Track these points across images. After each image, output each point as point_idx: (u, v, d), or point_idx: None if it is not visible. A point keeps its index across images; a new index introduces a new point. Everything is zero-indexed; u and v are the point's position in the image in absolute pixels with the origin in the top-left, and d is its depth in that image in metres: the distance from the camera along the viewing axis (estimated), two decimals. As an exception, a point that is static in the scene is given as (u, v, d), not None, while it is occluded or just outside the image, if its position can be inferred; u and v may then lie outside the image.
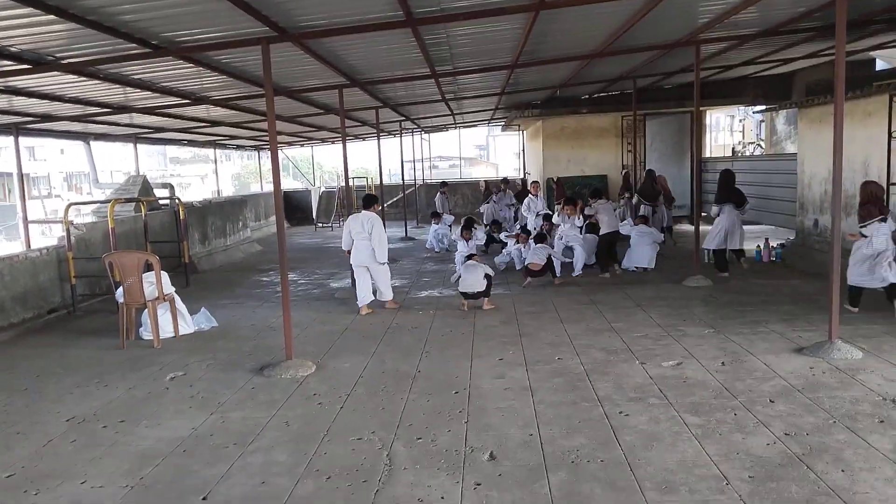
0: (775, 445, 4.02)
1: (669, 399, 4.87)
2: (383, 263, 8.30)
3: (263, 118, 13.04)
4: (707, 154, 19.87)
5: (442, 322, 7.67)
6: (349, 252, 8.45)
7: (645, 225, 10.84)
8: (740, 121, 30.79)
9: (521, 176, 23.21)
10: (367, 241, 8.20)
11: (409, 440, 4.35)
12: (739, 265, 10.05)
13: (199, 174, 58.17)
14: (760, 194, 13.07)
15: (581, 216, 10.58)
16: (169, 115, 11.72)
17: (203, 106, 10.85)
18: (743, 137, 29.62)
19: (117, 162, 41.84)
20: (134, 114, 11.02)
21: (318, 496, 3.68)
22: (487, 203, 16.53)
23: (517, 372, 5.67)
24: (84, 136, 13.93)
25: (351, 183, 12.07)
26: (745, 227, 10.21)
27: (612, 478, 3.71)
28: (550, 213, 12.33)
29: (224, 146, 21.54)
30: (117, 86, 8.41)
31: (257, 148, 23.43)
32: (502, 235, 13.04)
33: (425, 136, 25.78)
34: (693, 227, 10.03)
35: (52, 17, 5.22)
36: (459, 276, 8.31)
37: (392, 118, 16.49)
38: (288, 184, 32.41)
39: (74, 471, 4.12)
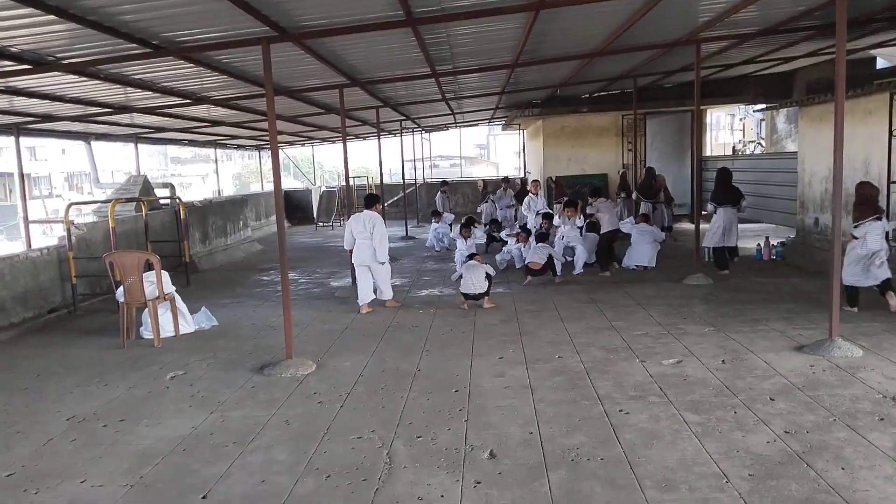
0: (775, 443, 4.02)
1: (669, 397, 4.87)
2: (383, 263, 8.31)
3: (264, 118, 13.04)
4: (707, 153, 19.85)
5: (442, 321, 7.67)
6: (351, 251, 8.46)
7: (646, 223, 10.84)
8: (741, 119, 30.77)
9: (522, 175, 23.21)
10: (368, 240, 8.20)
11: (409, 439, 4.35)
12: (731, 263, 10.11)
13: (200, 174, 58.19)
14: (761, 193, 13.08)
15: (581, 216, 10.59)
16: (170, 115, 11.73)
17: (204, 106, 10.86)
18: (743, 136, 29.61)
19: (118, 162, 41.87)
20: (135, 114, 11.03)
21: (317, 495, 3.68)
22: (486, 202, 16.53)
23: (517, 370, 5.68)
24: (85, 136, 13.94)
25: (351, 182, 12.07)
26: (746, 226, 10.24)
27: (612, 476, 3.71)
28: (551, 212, 12.32)
29: (225, 146, 21.54)
30: (118, 86, 8.42)
31: (258, 147, 23.44)
32: (502, 234, 13.04)
33: (426, 135, 25.77)
34: (693, 226, 10.03)
35: (52, 17, 5.22)
36: (461, 276, 8.31)
37: (392, 117, 16.50)
38: (289, 183, 32.39)
39: (74, 470, 4.12)
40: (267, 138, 18.06)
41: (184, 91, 9.47)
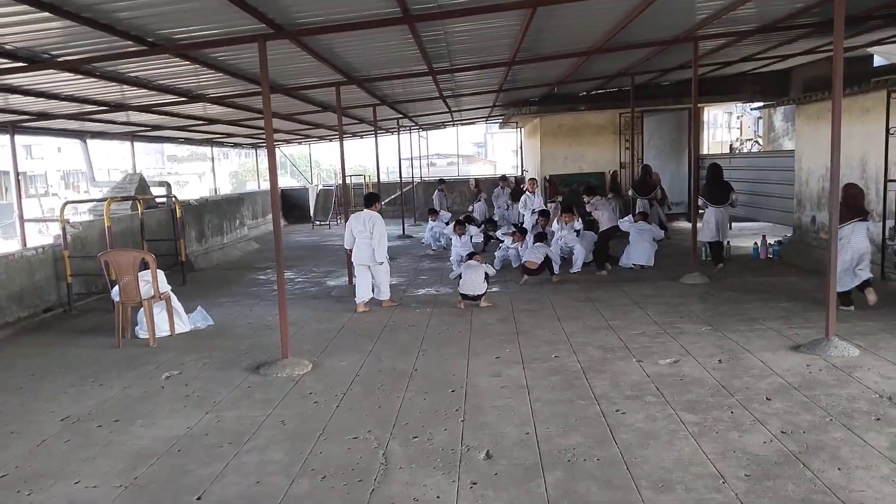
0: (772, 443, 4.01)
1: (666, 397, 4.86)
2: (381, 263, 8.29)
3: (260, 116, 12.99)
4: (705, 151, 19.85)
5: (439, 320, 7.65)
6: (351, 250, 8.44)
7: (645, 222, 10.82)
8: (738, 117, 30.78)
9: (518, 174, 23.18)
10: (368, 239, 8.18)
11: (405, 439, 4.34)
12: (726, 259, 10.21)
13: (196, 172, 58.09)
14: (758, 191, 13.07)
15: (578, 220, 10.60)
16: (166, 114, 11.68)
17: (200, 104, 10.83)
18: (741, 134, 29.62)
19: (114, 160, 41.83)
20: (130, 112, 11.00)
21: (313, 495, 3.67)
22: (478, 202, 16.50)
23: (514, 370, 5.66)
24: (81, 135, 13.89)
25: (348, 181, 12.05)
26: (743, 224, 10.25)
27: (608, 476, 3.70)
28: (547, 209, 12.31)
29: (221, 144, 21.49)
30: (113, 84, 8.38)
31: (255, 146, 23.40)
32: (498, 234, 13.02)
33: (423, 133, 25.74)
34: (690, 224, 10.03)
35: (46, 14, 5.19)
36: (460, 276, 8.28)
37: (389, 115, 16.46)
38: (286, 182, 32.37)
39: (68, 470, 4.10)
40: (263, 136, 18.01)
41: (180, 89, 9.43)
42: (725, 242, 10.23)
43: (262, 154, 24.43)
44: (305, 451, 4.23)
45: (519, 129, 24.17)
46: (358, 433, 4.47)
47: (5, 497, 3.81)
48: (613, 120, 16.89)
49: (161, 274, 7.33)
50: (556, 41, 9.04)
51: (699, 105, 13.65)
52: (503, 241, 11.50)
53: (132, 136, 15.34)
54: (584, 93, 16.10)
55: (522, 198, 13.59)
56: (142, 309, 7.17)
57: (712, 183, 10.09)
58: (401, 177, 20.20)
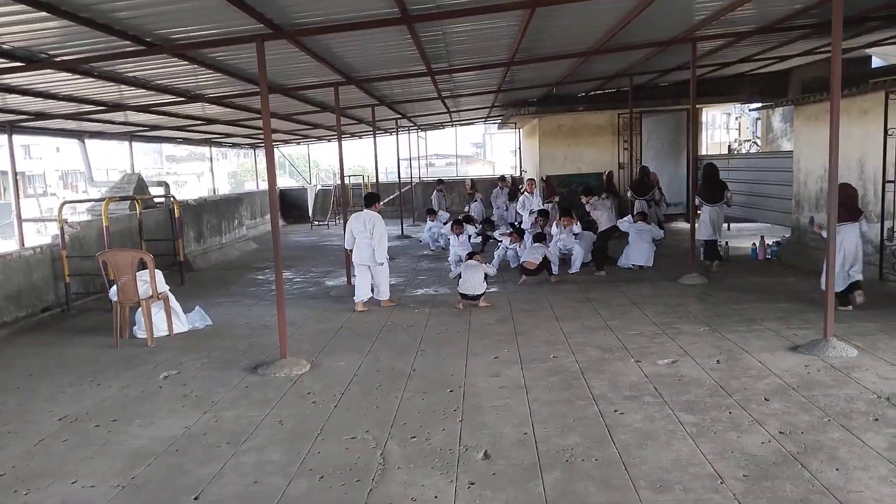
0: (770, 444, 4.01)
1: (664, 397, 4.86)
2: (381, 264, 8.29)
3: (259, 116, 12.96)
4: (703, 152, 19.89)
5: (437, 320, 7.65)
6: (351, 251, 8.43)
7: (644, 222, 10.82)
8: (736, 118, 30.81)
9: (517, 174, 23.18)
10: (368, 239, 8.18)
11: (403, 439, 4.33)
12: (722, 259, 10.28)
13: (195, 172, 58.08)
14: (756, 192, 13.08)
15: (577, 223, 10.61)
16: (164, 114, 11.67)
17: (198, 104, 10.81)
18: (739, 135, 29.64)
19: (113, 160, 41.80)
20: (129, 112, 10.98)
21: (311, 495, 3.66)
22: (474, 202, 16.50)
23: (512, 370, 5.66)
24: (79, 134, 13.86)
25: (347, 181, 12.04)
26: (742, 225, 10.28)
27: (606, 477, 3.69)
28: (546, 209, 12.32)
29: (220, 144, 21.47)
30: (111, 84, 8.37)
31: (253, 146, 23.38)
32: (496, 234, 13.03)
33: (422, 133, 25.74)
34: (688, 225, 10.04)
35: (44, 13, 5.18)
36: (459, 275, 8.28)
37: (388, 116, 16.46)
38: (284, 182, 32.37)
39: (66, 470, 4.09)
40: (262, 136, 17.99)
41: (178, 89, 9.43)
42: (724, 243, 10.26)
43: (261, 154, 24.41)
44: (303, 451, 4.22)
45: (518, 130, 24.17)
46: (356, 433, 4.46)
47: (3, 497, 3.81)
48: (612, 120, 16.90)
49: (159, 274, 7.32)
50: (555, 42, 9.05)
51: (697, 106, 13.66)
52: (501, 242, 11.51)
53: (130, 136, 15.32)
54: (583, 93, 16.11)
55: (521, 198, 13.61)
56: (140, 309, 7.16)
57: (708, 182, 10.18)
58: (399, 177, 20.19)
